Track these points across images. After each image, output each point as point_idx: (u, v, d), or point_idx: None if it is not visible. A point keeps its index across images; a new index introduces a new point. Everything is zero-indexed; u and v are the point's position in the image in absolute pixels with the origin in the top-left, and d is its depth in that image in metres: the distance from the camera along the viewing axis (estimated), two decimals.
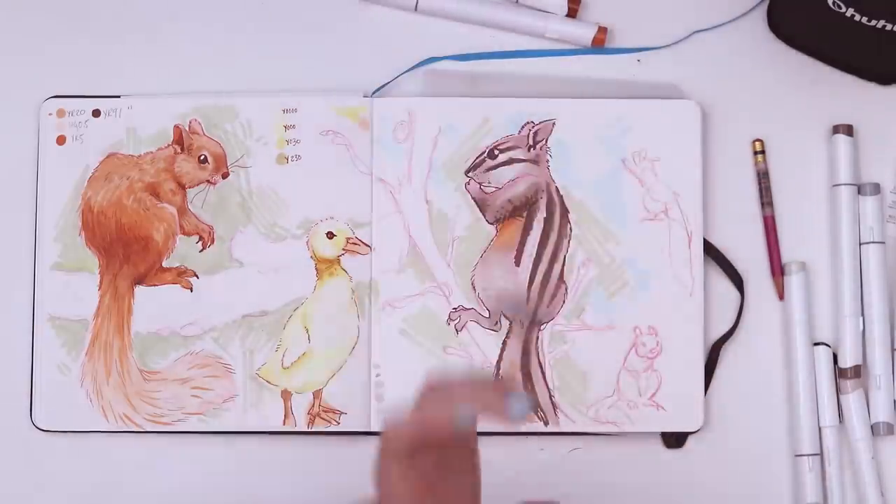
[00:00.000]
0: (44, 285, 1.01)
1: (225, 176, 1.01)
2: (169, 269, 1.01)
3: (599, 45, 1.04)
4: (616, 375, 1.01)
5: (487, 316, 1.01)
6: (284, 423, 1.00)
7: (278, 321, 1.00)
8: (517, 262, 1.02)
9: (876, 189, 1.02)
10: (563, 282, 1.02)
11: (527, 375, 1.01)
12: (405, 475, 0.79)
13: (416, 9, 1.04)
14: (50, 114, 1.02)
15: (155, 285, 1.01)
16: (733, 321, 1.02)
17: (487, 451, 1.01)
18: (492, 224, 1.02)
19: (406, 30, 1.05)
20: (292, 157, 1.02)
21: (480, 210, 1.02)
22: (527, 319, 1.01)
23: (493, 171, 1.02)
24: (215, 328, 1.00)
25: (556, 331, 1.01)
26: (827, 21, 0.97)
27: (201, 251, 1.01)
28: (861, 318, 1.01)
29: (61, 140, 1.02)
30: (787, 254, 1.03)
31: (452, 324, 1.01)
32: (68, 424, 1.00)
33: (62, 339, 1.00)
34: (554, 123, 1.02)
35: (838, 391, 1.01)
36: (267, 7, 1.05)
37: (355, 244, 1.01)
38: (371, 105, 1.02)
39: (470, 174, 1.02)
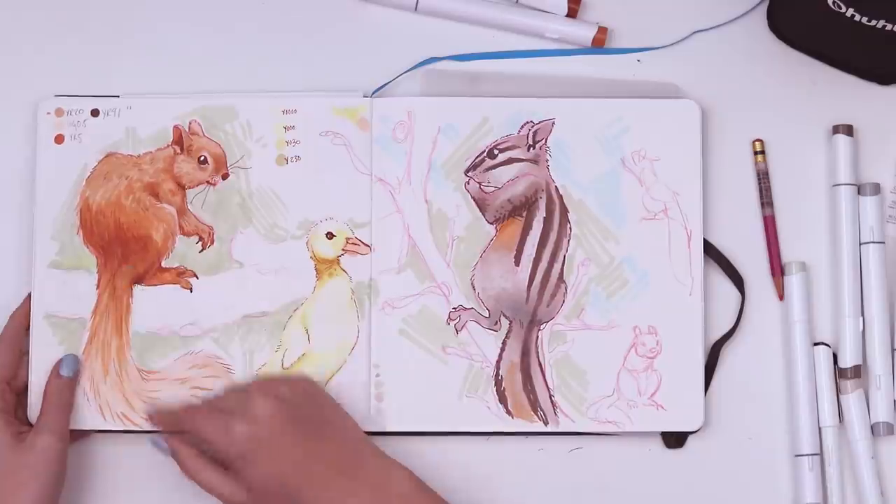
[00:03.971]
0: (41, 283, 1.00)
1: (225, 177, 1.01)
2: (168, 269, 1.01)
3: (599, 45, 1.04)
4: (616, 375, 1.01)
5: (487, 316, 1.01)
6: None
7: (278, 321, 1.00)
8: (517, 262, 1.02)
9: (876, 189, 1.02)
10: (563, 281, 1.01)
11: (527, 375, 1.01)
12: None
13: (416, 9, 1.04)
14: (48, 113, 1.01)
15: (154, 285, 1.00)
16: (734, 321, 1.02)
17: (487, 450, 1.01)
18: (491, 224, 1.02)
19: (406, 30, 1.04)
20: (292, 157, 1.02)
21: (480, 210, 1.02)
22: (526, 319, 1.01)
23: (493, 171, 1.02)
24: (215, 328, 1.00)
25: (555, 330, 1.01)
26: (827, 21, 0.97)
27: (201, 251, 1.01)
28: (861, 318, 1.01)
29: (59, 139, 1.01)
30: (787, 254, 1.03)
31: (452, 324, 1.01)
32: None
33: (59, 337, 1.00)
34: (553, 123, 1.02)
35: (838, 391, 1.01)
36: (267, 7, 1.05)
37: (355, 244, 1.01)
38: (371, 105, 1.02)
39: (469, 174, 1.02)
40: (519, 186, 1.02)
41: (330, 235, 1.01)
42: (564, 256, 1.02)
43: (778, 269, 1.02)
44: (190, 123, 1.01)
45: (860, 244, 1.02)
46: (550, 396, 1.00)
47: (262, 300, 1.00)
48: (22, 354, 0.99)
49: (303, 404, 0.94)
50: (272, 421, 0.92)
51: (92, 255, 1.00)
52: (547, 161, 1.02)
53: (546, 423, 1.00)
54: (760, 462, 1.01)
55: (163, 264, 1.01)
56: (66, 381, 0.98)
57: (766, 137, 1.03)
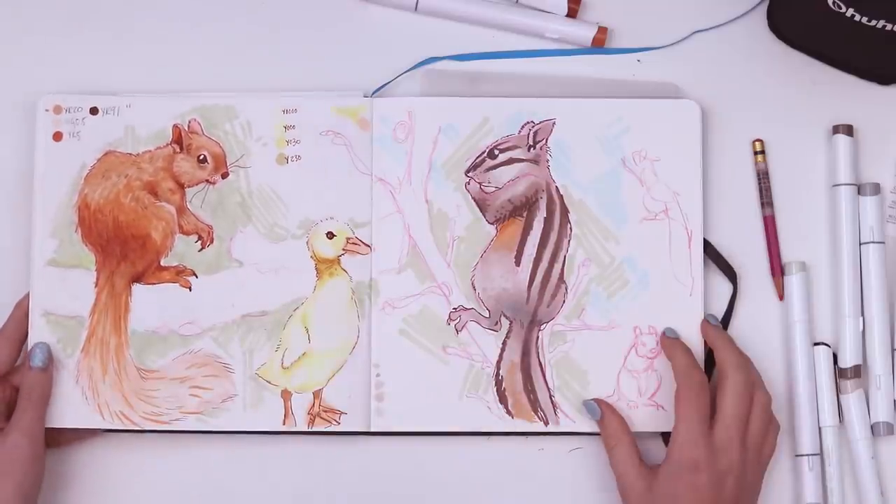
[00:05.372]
0: (39, 281, 1.00)
1: (224, 176, 1.01)
2: (167, 268, 1.00)
3: (599, 45, 1.04)
4: (616, 375, 1.01)
5: (487, 316, 1.01)
6: (284, 423, 0.99)
7: (278, 321, 1.00)
8: (517, 262, 1.02)
9: (876, 189, 1.02)
10: (563, 282, 1.01)
11: (527, 375, 1.00)
12: None
13: (416, 9, 1.04)
14: (46, 110, 1.01)
15: (153, 284, 1.00)
16: (732, 319, 1.02)
17: (487, 450, 1.01)
18: (492, 224, 1.02)
19: (406, 30, 1.05)
20: (292, 157, 1.01)
21: (480, 210, 1.02)
22: (527, 319, 1.01)
23: (493, 171, 1.02)
24: (214, 327, 1.00)
25: (556, 331, 1.01)
26: (827, 21, 0.98)
27: (200, 250, 1.01)
28: (861, 318, 1.01)
29: (58, 136, 1.01)
30: (787, 254, 1.03)
31: (452, 324, 1.01)
32: (63, 422, 0.99)
33: (57, 335, 0.99)
34: (554, 123, 1.02)
35: (838, 391, 1.01)
36: (267, 7, 1.05)
37: (355, 244, 1.01)
38: (371, 105, 1.02)
39: (470, 174, 1.02)
40: (519, 187, 1.02)
41: (330, 235, 1.01)
42: (565, 256, 1.02)
43: (778, 269, 1.03)
44: (189, 122, 1.01)
45: (860, 244, 1.02)
46: (551, 396, 1.00)
47: (261, 299, 1.00)
48: (21, 350, 0.99)
49: None
50: None
51: (90, 254, 1.00)
52: (547, 161, 1.02)
53: (546, 423, 1.00)
54: None
55: (162, 263, 1.00)
56: (37, 373, 0.97)
57: (766, 137, 1.04)
